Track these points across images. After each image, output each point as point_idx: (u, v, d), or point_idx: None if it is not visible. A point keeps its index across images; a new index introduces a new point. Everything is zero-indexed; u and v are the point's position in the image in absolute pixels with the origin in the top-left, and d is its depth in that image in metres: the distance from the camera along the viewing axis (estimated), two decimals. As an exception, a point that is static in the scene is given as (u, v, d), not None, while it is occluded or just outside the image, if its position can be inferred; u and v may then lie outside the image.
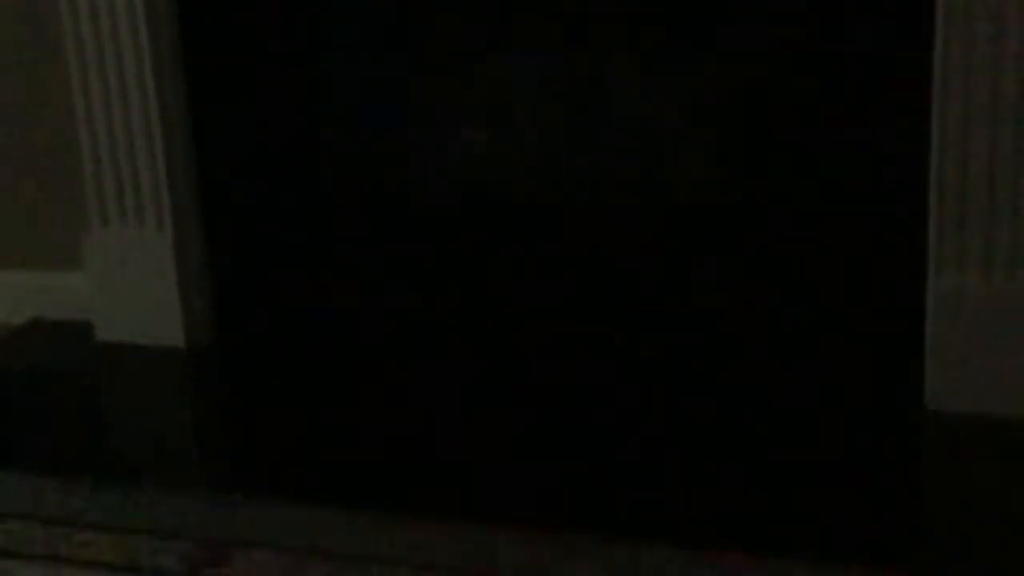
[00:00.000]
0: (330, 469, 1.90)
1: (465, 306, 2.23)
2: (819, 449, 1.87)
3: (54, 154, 2.36)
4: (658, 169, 2.13)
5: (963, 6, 1.77)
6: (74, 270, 2.37)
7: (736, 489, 1.78)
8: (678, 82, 2.11)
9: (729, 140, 2.09)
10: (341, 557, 1.64)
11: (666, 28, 2.06)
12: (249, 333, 2.32)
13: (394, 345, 2.25)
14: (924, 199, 1.87)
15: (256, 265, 2.33)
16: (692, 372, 2.09)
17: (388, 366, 2.21)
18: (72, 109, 2.24)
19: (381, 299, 2.28)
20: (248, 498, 1.79)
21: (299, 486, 1.85)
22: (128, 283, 2.28)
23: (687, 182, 2.12)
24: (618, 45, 2.10)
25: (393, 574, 1.60)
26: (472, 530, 1.68)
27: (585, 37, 2.11)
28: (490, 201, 2.23)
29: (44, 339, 2.40)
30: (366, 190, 2.28)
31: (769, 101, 2.03)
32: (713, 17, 2.03)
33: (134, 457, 1.99)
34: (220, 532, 1.71)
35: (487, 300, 2.21)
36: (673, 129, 2.13)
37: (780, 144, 2.04)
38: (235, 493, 1.81)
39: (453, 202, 2.25)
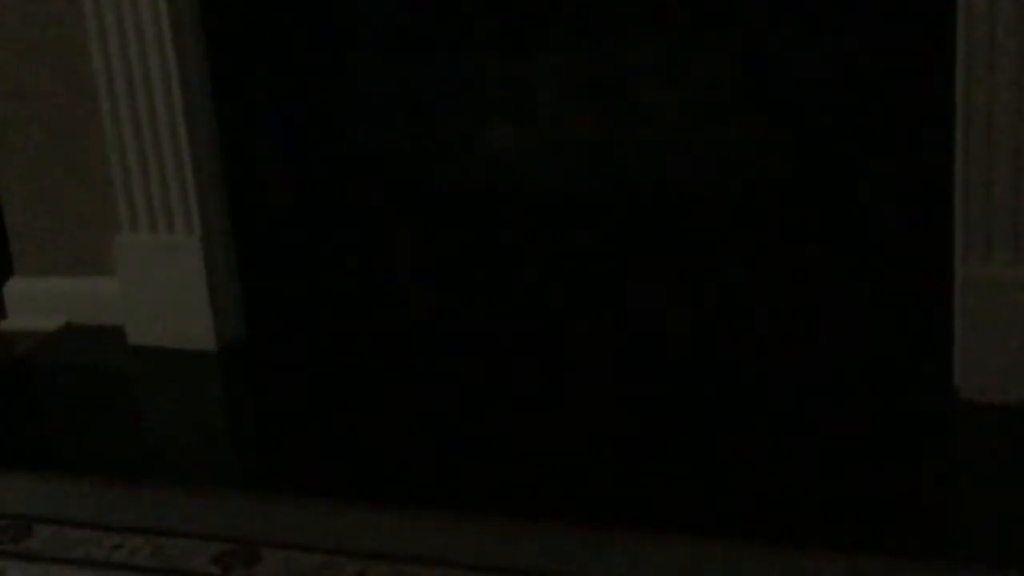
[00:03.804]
0: (361, 469, 1.91)
1: (494, 303, 2.23)
2: (848, 437, 1.86)
3: (83, 161, 2.38)
4: (684, 161, 2.13)
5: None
6: (105, 275, 2.40)
7: (763, 478, 1.77)
8: (703, 74, 2.11)
9: (755, 132, 2.09)
10: (371, 556, 1.64)
11: (691, 20, 2.06)
12: (279, 335, 2.33)
13: (425, 344, 2.25)
14: (950, 185, 1.86)
15: (285, 267, 2.34)
16: (719, 359, 2.08)
17: (419, 365, 2.21)
18: (100, 117, 2.26)
19: (410, 298, 2.28)
20: (279, 498, 1.80)
21: (329, 486, 1.85)
22: (158, 287, 2.30)
23: (711, 174, 2.11)
24: (642, 39, 2.10)
25: (423, 573, 1.60)
26: (506, 527, 1.68)
27: (609, 31, 2.11)
28: (520, 199, 2.23)
29: (76, 343, 2.41)
30: (394, 189, 2.28)
31: (794, 92, 2.02)
32: (737, 9, 2.02)
33: (165, 459, 2.01)
34: (251, 532, 1.72)
35: (517, 297, 2.22)
36: (698, 122, 2.12)
37: (806, 133, 2.03)
38: (266, 493, 1.82)
39: (481, 199, 2.25)
